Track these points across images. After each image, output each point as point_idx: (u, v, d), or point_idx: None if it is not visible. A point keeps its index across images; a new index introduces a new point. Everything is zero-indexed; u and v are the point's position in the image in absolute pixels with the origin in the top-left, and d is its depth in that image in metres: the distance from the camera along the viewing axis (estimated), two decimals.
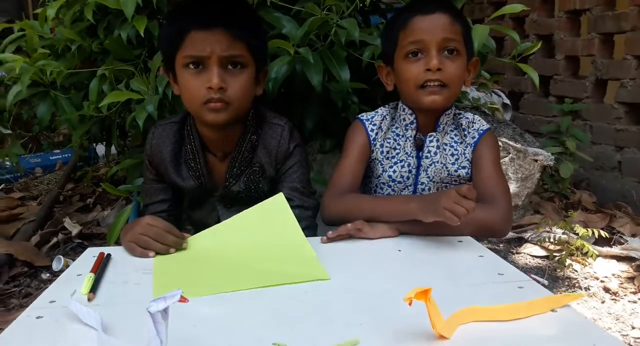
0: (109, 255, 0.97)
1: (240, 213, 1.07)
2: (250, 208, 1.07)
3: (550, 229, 2.15)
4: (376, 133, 1.29)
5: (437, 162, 1.26)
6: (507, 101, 3.15)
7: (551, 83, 3.31)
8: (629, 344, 1.51)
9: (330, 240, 1.06)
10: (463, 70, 1.22)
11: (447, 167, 1.26)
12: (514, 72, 3.52)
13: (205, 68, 1.11)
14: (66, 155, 3.28)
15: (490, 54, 1.79)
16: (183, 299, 0.58)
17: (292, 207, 1.23)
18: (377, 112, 1.33)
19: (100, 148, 2.74)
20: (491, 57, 1.82)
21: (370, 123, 1.30)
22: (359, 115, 1.33)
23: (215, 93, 1.10)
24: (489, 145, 1.26)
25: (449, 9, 1.20)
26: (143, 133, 1.56)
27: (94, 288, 0.82)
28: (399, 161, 1.28)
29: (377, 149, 1.29)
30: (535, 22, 3.43)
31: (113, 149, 2.26)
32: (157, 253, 0.98)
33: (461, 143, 1.27)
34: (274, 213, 1.07)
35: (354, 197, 1.20)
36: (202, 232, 1.06)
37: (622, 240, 2.20)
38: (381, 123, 1.30)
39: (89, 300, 0.79)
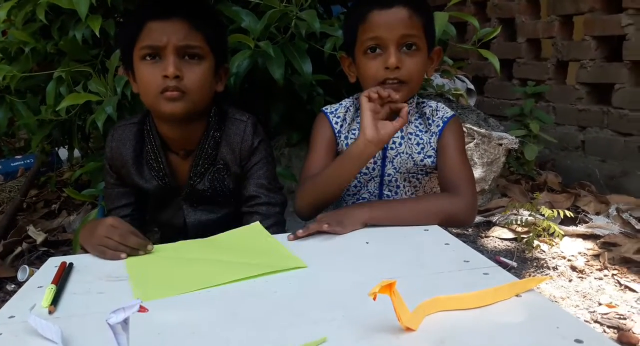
0: (71, 264, 0.95)
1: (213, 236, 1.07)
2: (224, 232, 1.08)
3: (518, 211, 2.19)
4: (341, 126, 1.28)
5: (403, 153, 1.25)
6: (471, 86, 3.18)
7: (514, 66, 3.36)
8: (595, 320, 1.55)
9: (298, 238, 1.05)
10: (423, 64, 1.20)
11: (412, 157, 1.25)
12: (477, 57, 3.56)
13: (162, 58, 1.10)
14: (28, 161, 3.19)
15: (451, 41, 1.80)
16: (143, 309, 0.57)
17: (259, 204, 1.23)
18: (341, 104, 1.32)
19: (63, 152, 2.68)
20: (452, 44, 1.83)
21: (334, 116, 1.29)
22: (323, 108, 1.32)
23: (171, 81, 1.08)
24: (454, 132, 1.25)
25: (408, 1, 1.17)
26: (104, 136, 1.53)
27: (55, 300, 0.79)
28: None
29: (342, 142, 1.28)
30: (496, 6, 3.46)
31: (76, 152, 2.21)
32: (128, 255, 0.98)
33: (426, 132, 1.26)
34: (252, 236, 1.07)
35: (308, 180, 1.21)
36: (170, 244, 1.05)
37: (586, 219, 2.26)
38: (345, 115, 1.29)
39: (50, 313, 0.77)
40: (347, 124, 1.29)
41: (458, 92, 2.71)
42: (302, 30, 1.53)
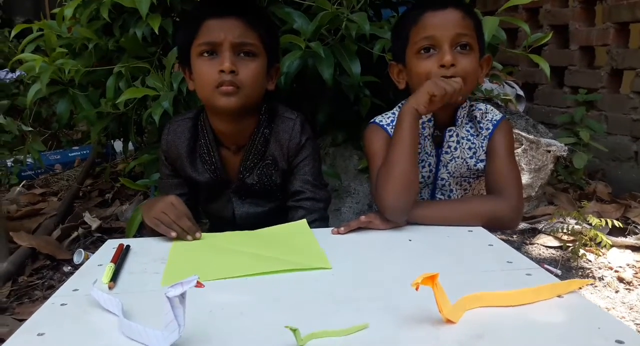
0: (128, 247, 1.01)
1: (259, 230, 1.11)
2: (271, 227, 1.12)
3: (564, 220, 2.15)
4: None
5: (458, 157, 1.24)
6: (521, 92, 3.13)
7: (566, 74, 3.28)
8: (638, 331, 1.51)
9: (342, 233, 1.08)
10: (476, 65, 1.18)
11: (466, 162, 1.24)
12: (528, 63, 3.49)
13: (218, 54, 1.15)
14: (85, 152, 3.35)
15: (501, 45, 1.80)
16: (199, 284, 0.61)
17: (304, 199, 1.27)
18: (394, 113, 1.29)
19: (118, 145, 2.80)
20: (502, 49, 1.82)
21: (392, 128, 1.25)
22: (377, 121, 1.29)
23: (227, 75, 1.13)
24: (504, 135, 1.23)
25: (460, 4, 1.18)
26: (159, 129, 1.60)
27: (114, 277, 0.85)
28: (420, 161, 1.25)
29: None
30: (549, 13, 3.40)
31: (130, 145, 2.31)
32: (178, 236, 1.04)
33: (477, 135, 1.24)
34: (296, 233, 1.10)
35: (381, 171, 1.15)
36: (219, 233, 1.10)
37: (637, 230, 2.19)
38: None
39: (110, 288, 0.82)
40: None
41: (507, 97, 2.68)
42: (352, 32, 1.56)
